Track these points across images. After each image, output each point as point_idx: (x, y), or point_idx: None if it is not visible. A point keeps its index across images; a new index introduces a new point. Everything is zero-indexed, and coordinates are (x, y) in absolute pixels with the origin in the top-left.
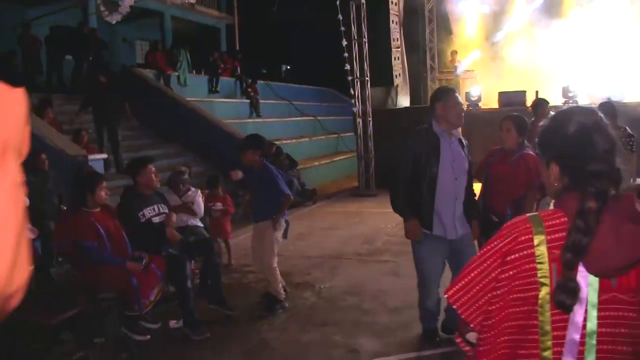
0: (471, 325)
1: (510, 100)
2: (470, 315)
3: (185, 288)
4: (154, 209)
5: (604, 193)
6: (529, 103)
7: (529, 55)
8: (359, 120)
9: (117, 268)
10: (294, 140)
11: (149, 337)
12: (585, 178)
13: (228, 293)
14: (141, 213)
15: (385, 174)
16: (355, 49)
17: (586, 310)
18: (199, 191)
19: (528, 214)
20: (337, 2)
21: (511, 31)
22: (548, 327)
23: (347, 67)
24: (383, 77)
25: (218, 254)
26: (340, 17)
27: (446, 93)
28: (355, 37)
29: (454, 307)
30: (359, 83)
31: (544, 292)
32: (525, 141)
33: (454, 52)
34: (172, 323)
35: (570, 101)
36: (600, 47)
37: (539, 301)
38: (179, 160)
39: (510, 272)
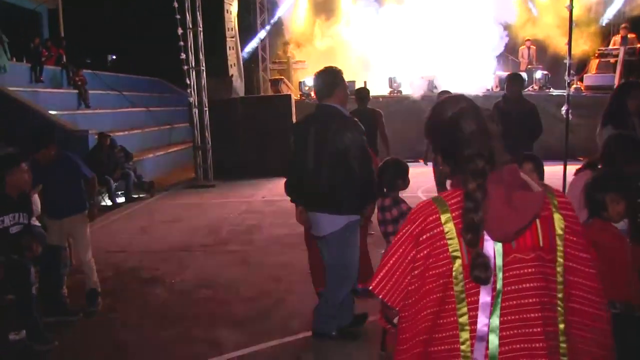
0: (396, 309)
1: None
2: (395, 300)
3: (29, 296)
4: (14, 217)
5: (480, 172)
6: None
7: (359, 45)
8: (195, 110)
9: None
10: (126, 132)
11: None
12: (461, 162)
13: (70, 295)
14: (1, 219)
15: (220, 161)
16: (190, 38)
17: (495, 274)
18: None
19: (432, 197)
20: None
21: (341, 22)
22: (463, 295)
23: (183, 56)
24: (218, 67)
25: (64, 264)
26: (175, 4)
27: (341, 77)
28: (190, 26)
29: (380, 297)
30: (194, 73)
31: (457, 264)
32: None
33: (286, 43)
34: (12, 336)
35: (396, 91)
36: (423, 38)
37: (453, 273)
38: None
39: (425, 252)
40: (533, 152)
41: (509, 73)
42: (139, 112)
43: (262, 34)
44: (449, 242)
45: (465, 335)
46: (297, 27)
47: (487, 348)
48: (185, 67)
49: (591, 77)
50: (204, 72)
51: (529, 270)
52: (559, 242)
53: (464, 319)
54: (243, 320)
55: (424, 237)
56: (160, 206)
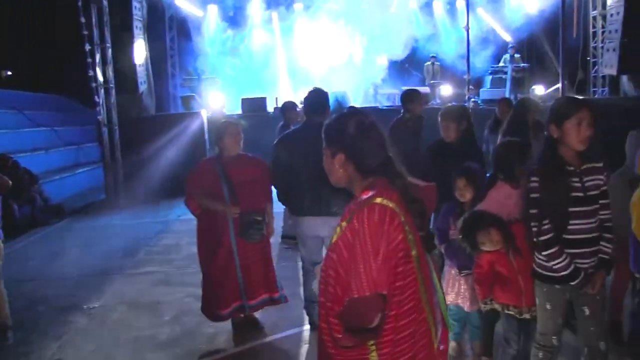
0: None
1: (253, 105)
2: (389, 299)
3: None
4: None
5: (398, 172)
6: (269, 108)
7: (269, 61)
8: (105, 129)
9: None
10: (28, 153)
11: None
12: (376, 166)
13: None
14: None
15: (132, 182)
16: (98, 54)
17: None
18: None
19: (374, 202)
20: (79, 4)
21: (251, 38)
22: (421, 275)
23: (91, 73)
24: (128, 84)
25: None
26: (82, 20)
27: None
28: (98, 42)
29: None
30: (103, 90)
31: (415, 251)
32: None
33: (197, 60)
34: None
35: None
36: (332, 52)
37: (414, 258)
38: None
39: (404, 251)
40: (467, 166)
41: (406, 90)
42: (41, 131)
43: (171, 50)
44: (409, 235)
45: (427, 307)
46: (208, 43)
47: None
48: (94, 85)
49: (486, 91)
50: (114, 90)
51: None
52: None
53: (425, 298)
54: (169, 341)
55: (400, 236)
56: (71, 230)
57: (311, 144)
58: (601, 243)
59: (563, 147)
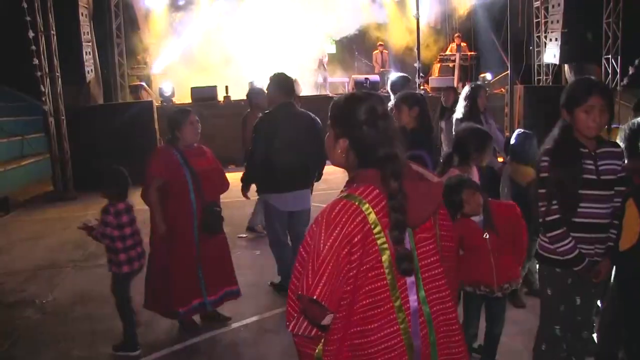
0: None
1: (202, 95)
2: (335, 304)
3: None
4: None
5: (399, 173)
6: (219, 97)
7: (219, 50)
8: (51, 119)
9: None
10: None
11: None
12: (377, 160)
13: None
14: None
15: (81, 172)
16: (43, 42)
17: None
18: None
19: (344, 196)
20: None
21: (201, 26)
22: (394, 282)
23: (35, 61)
24: (74, 73)
25: None
26: (24, 5)
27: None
28: (42, 29)
29: (325, 304)
30: (48, 79)
31: (386, 255)
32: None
33: (145, 49)
34: None
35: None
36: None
37: (384, 264)
38: None
39: (360, 252)
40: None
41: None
42: None
43: (117, 38)
44: (377, 236)
45: (402, 315)
46: (156, 32)
47: (421, 316)
48: (39, 74)
49: (435, 79)
50: (60, 79)
51: (431, 246)
52: (435, 215)
53: (398, 302)
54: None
55: (357, 238)
56: (18, 223)
57: (289, 122)
58: (611, 231)
59: (577, 131)
